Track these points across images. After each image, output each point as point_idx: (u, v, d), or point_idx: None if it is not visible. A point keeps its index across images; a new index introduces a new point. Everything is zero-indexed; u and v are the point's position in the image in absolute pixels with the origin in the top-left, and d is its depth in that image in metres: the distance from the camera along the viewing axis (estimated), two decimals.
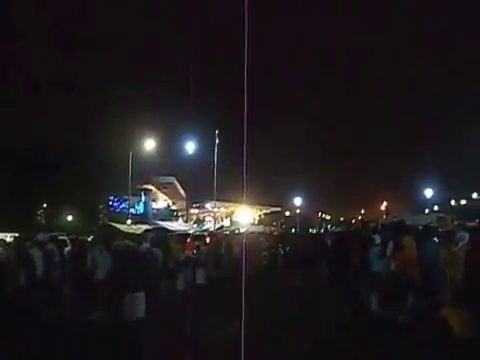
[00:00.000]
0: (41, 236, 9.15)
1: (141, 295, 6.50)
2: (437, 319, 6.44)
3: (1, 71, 20.31)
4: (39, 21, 22.41)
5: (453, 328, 6.09)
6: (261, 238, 18.68)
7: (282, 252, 17.36)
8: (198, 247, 13.35)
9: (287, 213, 51.66)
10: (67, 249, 10.54)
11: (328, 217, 67.48)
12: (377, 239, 9.54)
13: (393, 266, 8.19)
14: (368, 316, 8.36)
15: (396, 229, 9.08)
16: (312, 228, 45.05)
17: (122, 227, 21.47)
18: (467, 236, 7.47)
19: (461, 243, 7.49)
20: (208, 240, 16.24)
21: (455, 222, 14.81)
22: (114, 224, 22.47)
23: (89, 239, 11.78)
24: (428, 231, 8.43)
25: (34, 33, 21.60)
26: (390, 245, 8.34)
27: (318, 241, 16.95)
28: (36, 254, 8.53)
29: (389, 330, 7.27)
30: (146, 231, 16.50)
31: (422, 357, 6.23)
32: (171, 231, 19.69)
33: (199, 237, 16.41)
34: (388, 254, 8.38)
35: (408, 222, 16.15)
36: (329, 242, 15.07)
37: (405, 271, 7.82)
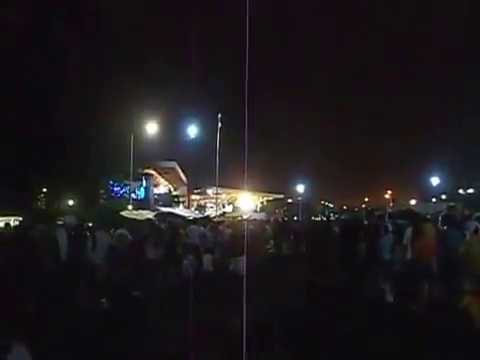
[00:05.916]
0: (68, 218, 8.92)
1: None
2: (457, 308, 6.10)
3: None
4: None
5: (474, 318, 5.75)
6: (266, 226, 18.32)
7: (288, 240, 16.95)
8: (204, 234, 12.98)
9: (289, 200, 51.30)
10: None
11: (331, 205, 67.28)
12: (390, 227, 9.25)
13: (410, 254, 7.87)
14: (381, 305, 8.02)
15: (415, 217, 8.78)
16: (315, 216, 44.73)
17: (123, 213, 21.11)
18: (474, 224, 7.40)
19: (467, 232, 7.37)
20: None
21: (466, 212, 14.48)
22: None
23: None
24: (450, 219, 8.09)
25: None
26: (408, 232, 8.01)
27: (326, 229, 16.56)
28: (61, 235, 8.27)
29: (404, 319, 6.94)
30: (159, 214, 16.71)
31: (440, 347, 5.86)
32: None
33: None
34: (405, 242, 8.06)
35: (417, 211, 15.82)
36: (336, 230, 14.68)
37: (423, 259, 7.48)
